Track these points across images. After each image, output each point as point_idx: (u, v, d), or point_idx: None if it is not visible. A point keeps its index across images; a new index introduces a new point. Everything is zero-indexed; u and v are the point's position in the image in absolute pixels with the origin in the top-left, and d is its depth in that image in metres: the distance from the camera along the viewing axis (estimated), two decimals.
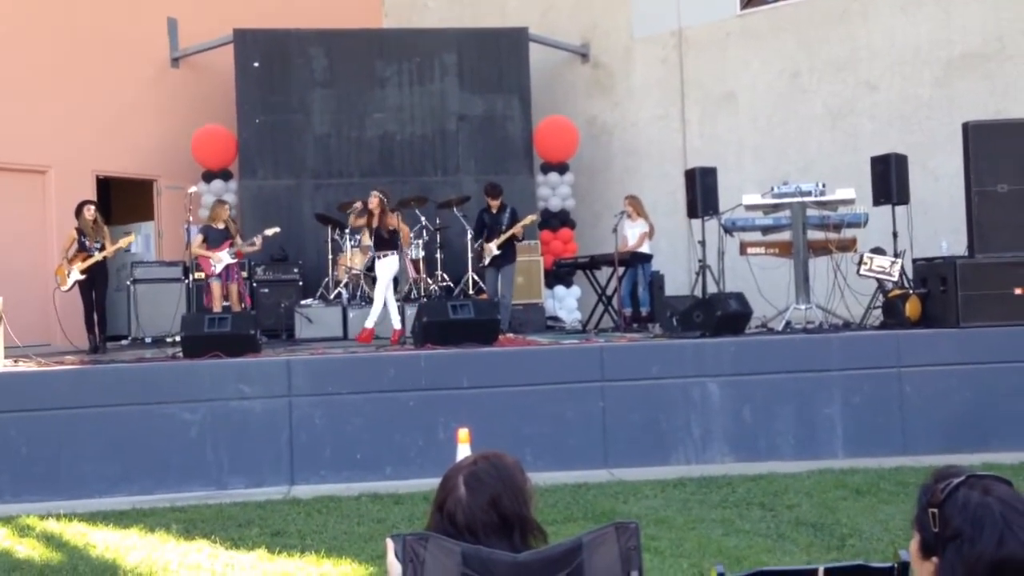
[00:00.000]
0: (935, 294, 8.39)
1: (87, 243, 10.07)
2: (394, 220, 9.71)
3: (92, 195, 12.43)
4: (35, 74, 12.11)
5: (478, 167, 13.12)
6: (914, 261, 8.94)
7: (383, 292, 9.67)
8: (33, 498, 6.75)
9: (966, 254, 8.45)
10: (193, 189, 10.81)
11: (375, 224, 9.63)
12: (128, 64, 13.12)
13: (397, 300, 10.10)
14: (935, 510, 1.76)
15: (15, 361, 8.06)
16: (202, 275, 10.38)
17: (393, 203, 11.52)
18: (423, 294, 11.03)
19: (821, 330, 8.56)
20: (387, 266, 9.66)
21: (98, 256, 10.06)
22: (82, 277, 10.01)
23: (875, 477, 6.67)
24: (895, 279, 8.83)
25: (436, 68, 13.32)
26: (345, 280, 11.15)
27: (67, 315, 10.28)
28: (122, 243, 10.27)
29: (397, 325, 9.65)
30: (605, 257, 11.04)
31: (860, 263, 8.84)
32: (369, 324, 9.68)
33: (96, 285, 10.23)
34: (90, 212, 10.17)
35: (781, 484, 6.54)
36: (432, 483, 2.21)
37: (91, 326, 10.28)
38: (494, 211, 10.70)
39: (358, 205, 9.95)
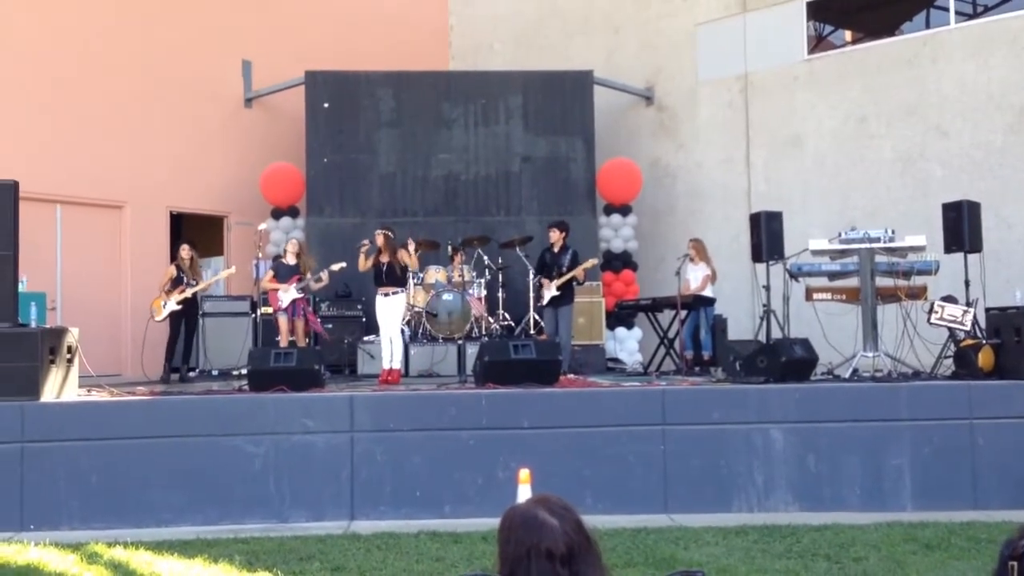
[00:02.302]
0: (1009, 345, 8.17)
1: (185, 278, 10.77)
2: (405, 256, 9.75)
3: (166, 230, 12.84)
4: (114, 113, 12.57)
5: (541, 208, 13.20)
6: (987, 310, 8.72)
7: (399, 329, 9.74)
8: (101, 525, 6.89)
9: None
10: (263, 226, 11.09)
11: (386, 260, 9.65)
12: (203, 104, 13.54)
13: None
14: (1015, 563, 1.74)
15: (88, 391, 8.27)
16: (270, 309, 10.63)
17: (457, 242, 11.67)
18: (484, 333, 11.09)
19: (890, 379, 8.38)
20: (398, 304, 9.72)
21: (204, 284, 10.92)
22: (178, 308, 10.71)
23: (945, 532, 6.48)
24: (967, 328, 8.62)
25: (501, 110, 13.49)
26: (407, 317, 11.24)
27: (139, 346, 10.62)
28: (222, 275, 11.13)
29: (398, 364, 9.73)
30: (667, 300, 10.99)
31: (931, 311, 8.66)
32: (398, 364, 9.74)
33: (188, 318, 10.96)
34: (186, 252, 11.02)
35: (847, 535, 6.38)
36: (491, 523, 2.20)
37: (170, 356, 10.80)
38: (556, 250, 10.68)
39: (366, 243, 9.88)
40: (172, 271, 10.87)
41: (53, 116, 11.97)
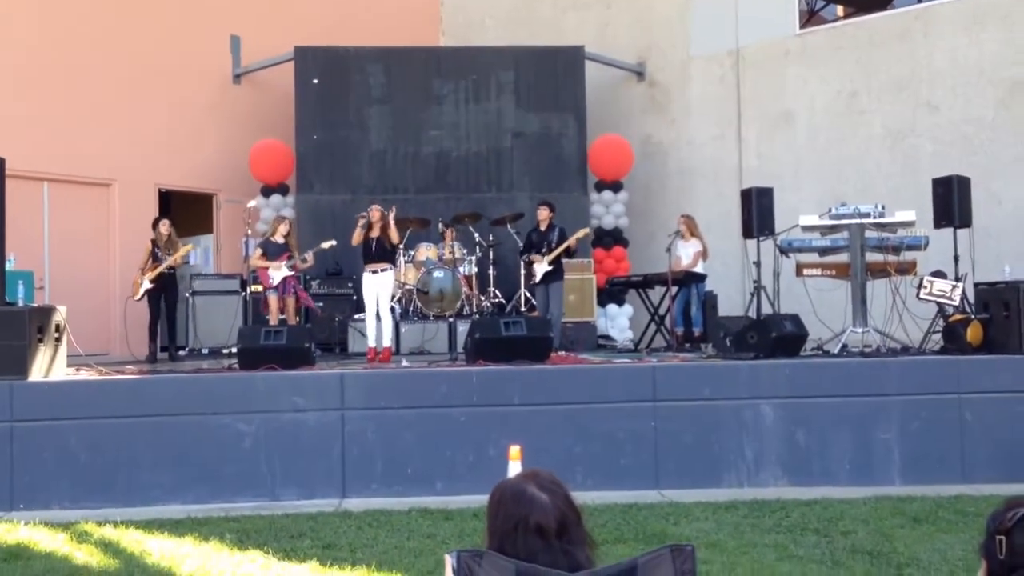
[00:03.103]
0: (997, 319, 8.19)
1: (160, 255, 10.58)
2: (395, 235, 9.72)
3: (154, 208, 12.76)
4: (101, 90, 12.46)
5: (532, 184, 13.16)
6: (976, 285, 8.75)
7: (387, 307, 9.72)
8: (91, 504, 6.88)
9: None
10: (252, 203, 11.01)
11: (376, 235, 9.59)
12: (192, 81, 13.43)
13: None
14: (1003, 537, 1.74)
15: (77, 370, 8.25)
16: (260, 287, 10.57)
17: (448, 219, 11.63)
18: (475, 310, 11.08)
19: (879, 354, 8.41)
20: (386, 281, 9.67)
21: (163, 265, 10.52)
22: (151, 286, 10.52)
23: (933, 505, 6.52)
24: (956, 303, 8.65)
25: (492, 86, 13.41)
26: (398, 295, 11.22)
27: (130, 325, 10.59)
28: (182, 251, 10.74)
29: (389, 342, 9.72)
30: (658, 276, 10.99)
31: (920, 286, 8.68)
32: (388, 342, 9.74)
33: (166, 296, 10.75)
34: (164, 227, 10.80)
35: (836, 510, 6.42)
36: (482, 499, 2.20)
37: (154, 335, 10.70)
38: (543, 229, 10.68)
39: (364, 215, 9.73)
40: (149, 247, 10.70)
41: (39, 94, 11.87)
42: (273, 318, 10.20)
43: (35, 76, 11.86)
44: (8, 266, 8.04)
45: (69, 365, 8.05)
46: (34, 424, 7.08)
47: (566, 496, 2.12)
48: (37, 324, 7.39)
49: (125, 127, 12.63)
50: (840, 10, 13.94)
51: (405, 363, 8.80)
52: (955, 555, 5.25)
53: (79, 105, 12.22)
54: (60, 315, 7.76)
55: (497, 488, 2.16)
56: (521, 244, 11.01)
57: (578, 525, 2.11)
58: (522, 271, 11.08)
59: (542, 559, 2.04)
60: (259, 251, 10.41)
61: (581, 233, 10.61)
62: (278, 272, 10.18)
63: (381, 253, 9.60)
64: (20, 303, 7.76)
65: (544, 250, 10.43)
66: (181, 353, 11.30)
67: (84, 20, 12.41)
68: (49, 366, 7.54)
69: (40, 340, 7.40)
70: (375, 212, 9.66)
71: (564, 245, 10.34)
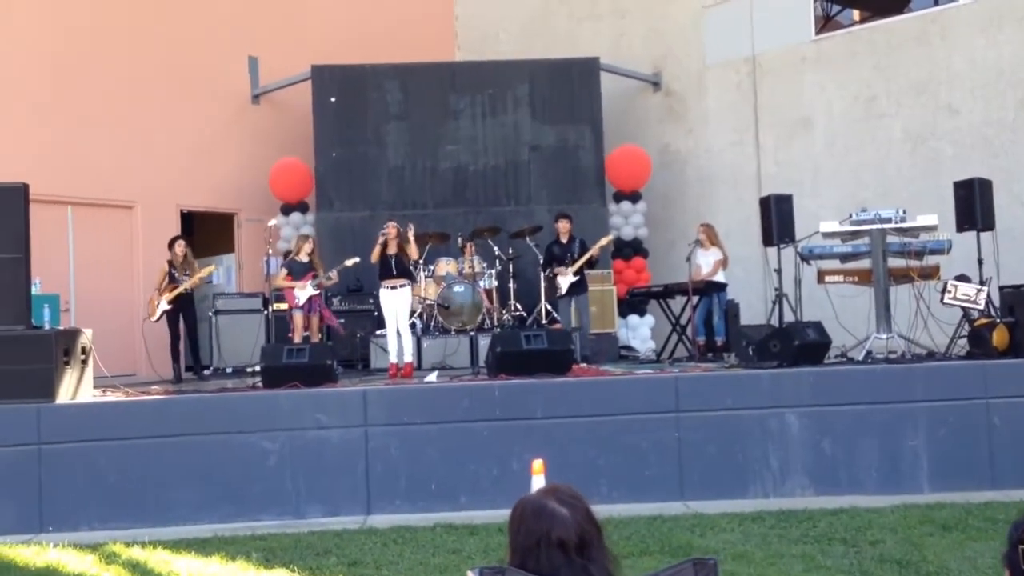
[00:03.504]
0: (1023, 323, 8.11)
1: (176, 275, 10.58)
2: (414, 251, 9.77)
3: (176, 229, 12.86)
4: (122, 113, 12.59)
5: (550, 197, 13.17)
6: (1001, 289, 8.67)
7: (407, 323, 9.75)
8: (120, 525, 6.93)
9: None
10: (272, 222, 11.06)
11: (392, 252, 9.63)
12: (211, 102, 13.56)
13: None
14: None
15: (103, 391, 8.32)
16: (285, 306, 10.62)
17: (467, 233, 11.65)
18: (496, 324, 11.08)
19: (904, 360, 8.35)
20: (405, 297, 9.70)
21: (182, 287, 10.53)
22: (169, 307, 10.53)
23: (963, 512, 6.45)
24: (981, 307, 8.56)
25: (509, 99, 13.45)
26: (419, 310, 11.25)
27: (152, 346, 10.66)
28: (203, 273, 10.73)
29: (410, 357, 9.74)
30: (679, 286, 10.96)
31: (944, 291, 8.60)
32: (409, 357, 9.76)
33: (185, 316, 10.75)
34: (180, 247, 10.78)
35: (864, 519, 6.37)
36: (507, 514, 2.21)
37: (176, 356, 10.71)
38: (563, 241, 10.74)
39: (383, 236, 9.79)
40: (165, 268, 10.72)
41: (61, 117, 12.01)
42: (297, 336, 10.25)
43: (56, 101, 12.00)
44: (34, 290, 8.11)
45: (96, 387, 8.11)
46: (62, 446, 7.13)
47: (586, 511, 2.12)
48: (63, 347, 7.46)
49: (147, 149, 12.77)
50: (856, 14, 13.89)
51: (432, 377, 8.82)
52: (985, 563, 5.19)
53: (100, 128, 12.35)
54: (86, 337, 7.84)
55: (518, 504, 2.18)
56: (542, 258, 11.03)
57: (598, 540, 2.12)
58: (542, 284, 11.09)
59: (564, 574, 2.05)
60: (284, 271, 10.46)
61: (604, 241, 10.69)
62: (304, 292, 10.23)
63: (398, 269, 9.64)
64: (46, 326, 7.85)
65: (567, 262, 10.48)
66: (206, 372, 11.37)
67: (104, 44, 12.56)
68: (76, 388, 7.60)
69: (66, 363, 7.46)
70: (391, 229, 9.71)
71: (588, 254, 10.42)
